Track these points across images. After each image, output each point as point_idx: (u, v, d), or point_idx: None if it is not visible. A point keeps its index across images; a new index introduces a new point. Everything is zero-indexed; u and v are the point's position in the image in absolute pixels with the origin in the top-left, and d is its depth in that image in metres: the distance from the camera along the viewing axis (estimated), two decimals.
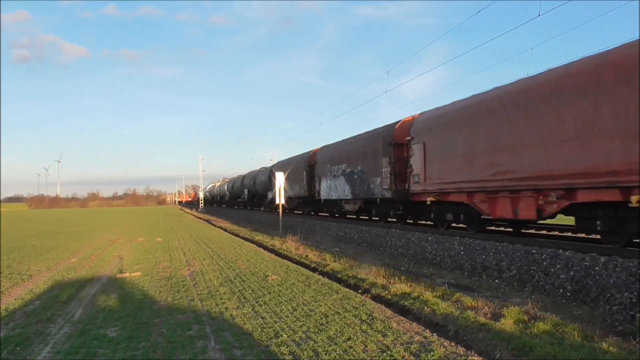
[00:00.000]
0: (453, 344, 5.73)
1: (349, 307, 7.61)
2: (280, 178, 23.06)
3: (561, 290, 8.44)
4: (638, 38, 8.17)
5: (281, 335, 6.12)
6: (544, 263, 9.14)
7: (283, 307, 7.73)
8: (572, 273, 8.44)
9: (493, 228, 14.65)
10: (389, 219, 18.80)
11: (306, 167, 26.92)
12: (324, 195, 23.93)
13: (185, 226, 32.78)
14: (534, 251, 9.61)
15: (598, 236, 13.27)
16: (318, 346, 5.65)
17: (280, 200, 22.75)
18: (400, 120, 17.09)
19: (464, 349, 5.57)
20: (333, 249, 16.01)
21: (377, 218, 19.86)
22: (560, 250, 9.20)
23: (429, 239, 13.39)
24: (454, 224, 14.67)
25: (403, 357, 5.25)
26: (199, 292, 9.22)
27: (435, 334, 6.11)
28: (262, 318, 7.06)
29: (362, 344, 5.69)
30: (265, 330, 6.42)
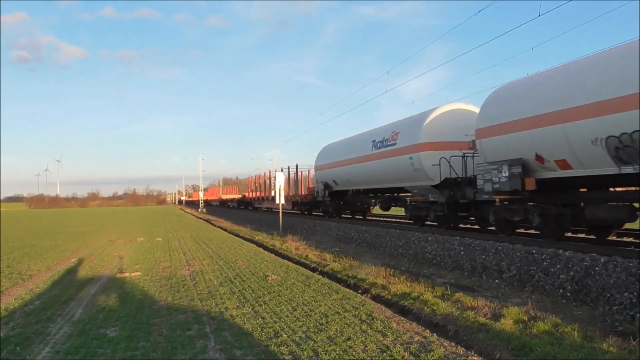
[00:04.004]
0: (453, 344, 5.73)
1: (349, 307, 7.61)
2: (280, 178, 23.05)
3: (561, 291, 8.44)
4: None
5: (281, 335, 6.12)
6: (544, 263, 9.14)
7: (283, 307, 7.73)
8: (572, 273, 8.43)
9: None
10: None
11: None
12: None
13: (185, 226, 32.77)
14: (534, 251, 9.60)
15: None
16: (318, 346, 5.65)
17: (280, 200, 22.74)
18: None
19: (463, 349, 5.57)
20: (333, 249, 16.01)
21: None
22: (560, 250, 9.20)
23: (429, 239, 13.39)
24: None
25: (403, 357, 5.25)
26: (199, 292, 9.22)
27: (435, 334, 6.11)
28: (262, 318, 7.06)
29: (362, 344, 5.69)
30: (265, 330, 6.42)
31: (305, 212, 30.00)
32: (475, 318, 6.70)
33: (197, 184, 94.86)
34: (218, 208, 63.92)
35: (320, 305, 7.73)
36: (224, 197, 61.67)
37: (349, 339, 5.91)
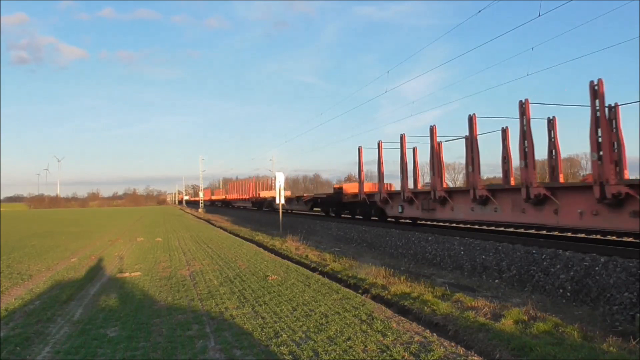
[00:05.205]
0: (453, 344, 5.74)
1: (349, 307, 7.62)
2: (280, 178, 23.04)
3: (561, 291, 8.44)
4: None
5: (281, 335, 6.13)
6: (544, 263, 9.14)
7: (283, 307, 7.73)
8: (572, 273, 8.44)
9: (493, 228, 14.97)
10: None
11: None
12: None
13: (186, 226, 32.77)
14: (534, 251, 9.61)
15: (599, 236, 13.35)
16: (318, 346, 5.65)
17: (280, 200, 22.74)
18: None
19: (464, 349, 5.57)
20: (333, 249, 16.02)
21: None
22: (560, 250, 9.20)
23: (429, 239, 13.40)
24: None
25: (403, 357, 5.26)
26: (199, 292, 9.22)
27: (435, 334, 6.11)
28: (262, 318, 7.06)
29: (362, 344, 5.69)
30: (265, 330, 6.42)
31: None
32: (475, 318, 6.71)
33: (197, 184, 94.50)
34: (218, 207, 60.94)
35: (320, 305, 7.73)
36: (264, 195, 41.51)
37: (349, 339, 5.91)
